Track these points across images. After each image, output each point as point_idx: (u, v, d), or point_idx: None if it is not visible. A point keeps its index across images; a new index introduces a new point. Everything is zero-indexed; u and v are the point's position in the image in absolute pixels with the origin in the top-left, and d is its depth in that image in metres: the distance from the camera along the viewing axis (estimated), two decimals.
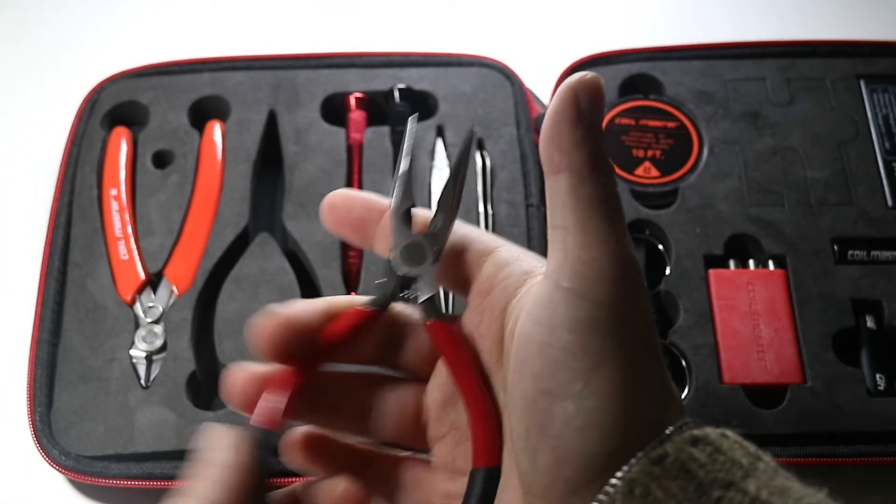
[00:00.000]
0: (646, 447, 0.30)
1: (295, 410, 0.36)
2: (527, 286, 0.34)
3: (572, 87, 0.31)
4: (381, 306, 0.36)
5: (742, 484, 0.28)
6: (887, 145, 0.66)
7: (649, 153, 0.66)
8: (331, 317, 0.36)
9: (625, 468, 0.30)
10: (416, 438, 0.38)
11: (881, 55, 0.70)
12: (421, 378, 0.38)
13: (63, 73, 0.76)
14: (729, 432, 0.31)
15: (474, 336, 0.36)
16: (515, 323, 0.33)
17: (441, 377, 0.37)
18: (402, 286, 0.36)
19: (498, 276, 0.35)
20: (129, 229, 0.63)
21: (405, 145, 0.38)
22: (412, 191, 0.37)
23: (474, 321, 0.36)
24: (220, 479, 0.32)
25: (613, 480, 0.30)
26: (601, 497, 0.30)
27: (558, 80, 0.70)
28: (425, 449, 0.38)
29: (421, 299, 0.36)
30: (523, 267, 0.35)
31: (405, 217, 0.37)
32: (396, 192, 0.37)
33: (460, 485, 0.35)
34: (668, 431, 0.30)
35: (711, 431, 0.30)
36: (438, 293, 0.36)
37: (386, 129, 0.67)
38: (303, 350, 0.36)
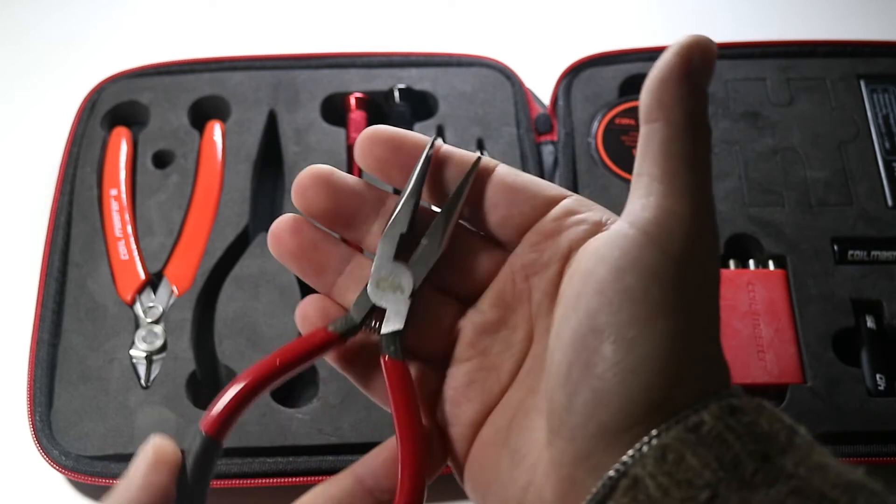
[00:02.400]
0: (683, 410, 0.29)
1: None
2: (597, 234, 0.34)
3: (688, 44, 0.31)
4: (345, 332, 0.36)
5: (779, 459, 0.28)
6: (887, 145, 0.66)
7: None
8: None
9: (654, 432, 0.29)
10: (437, 354, 0.37)
11: (881, 55, 0.70)
12: (463, 298, 0.37)
13: (63, 73, 0.76)
14: (766, 403, 0.30)
15: (526, 273, 0.35)
16: (579, 265, 0.33)
17: (487, 304, 0.36)
18: (373, 314, 0.36)
19: (567, 221, 0.35)
20: (130, 229, 0.63)
21: (418, 169, 0.36)
22: (411, 217, 0.36)
23: (528, 259, 0.35)
24: (139, 487, 0.32)
25: (644, 443, 0.29)
26: (626, 458, 0.29)
27: (558, 80, 0.70)
28: (441, 364, 0.37)
29: (384, 331, 0.35)
30: (597, 217, 0.34)
31: (394, 242, 0.36)
32: (395, 214, 0.36)
33: (461, 410, 0.35)
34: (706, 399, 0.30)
35: (748, 402, 0.30)
36: (403, 330, 0.35)
37: None
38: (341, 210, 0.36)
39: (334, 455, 0.55)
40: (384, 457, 0.36)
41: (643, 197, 0.31)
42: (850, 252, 0.61)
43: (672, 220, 0.31)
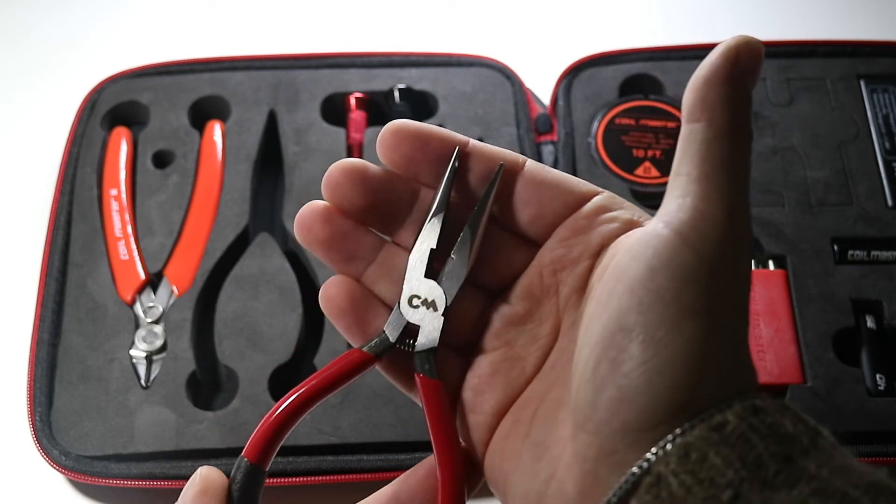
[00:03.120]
0: (708, 410, 0.29)
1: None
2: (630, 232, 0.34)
3: (735, 44, 0.31)
4: (380, 351, 0.36)
5: (801, 460, 0.28)
6: (887, 145, 0.66)
7: (649, 153, 0.66)
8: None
9: (678, 430, 0.29)
10: (462, 342, 0.37)
11: (881, 55, 0.70)
12: (491, 290, 0.37)
13: (63, 73, 0.76)
14: (789, 405, 0.30)
15: (555, 268, 0.35)
16: (610, 261, 0.33)
17: (515, 296, 0.36)
18: (407, 333, 0.36)
19: (600, 217, 0.35)
20: (130, 229, 0.63)
21: (444, 182, 0.35)
22: (440, 234, 0.35)
23: (557, 254, 0.35)
24: None
25: (667, 441, 0.29)
26: (649, 455, 0.29)
27: (558, 80, 0.70)
28: (466, 352, 0.37)
29: (418, 349, 0.36)
30: (628, 215, 0.35)
31: (424, 259, 0.35)
32: (424, 229, 0.35)
33: (484, 399, 0.35)
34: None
35: (772, 403, 0.30)
36: (436, 348, 0.36)
37: None
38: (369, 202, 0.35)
39: (334, 455, 0.55)
40: (422, 474, 0.36)
41: (680, 197, 0.31)
42: (850, 252, 0.61)
43: (707, 222, 0.31)
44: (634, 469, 0.29)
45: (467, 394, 0.36)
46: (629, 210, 0.35)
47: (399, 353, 0.36)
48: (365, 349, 0.35)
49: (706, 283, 0.30)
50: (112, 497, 0.56)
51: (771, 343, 0.58)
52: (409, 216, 0.36)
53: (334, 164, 0.36)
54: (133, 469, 0.54)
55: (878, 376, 0.57)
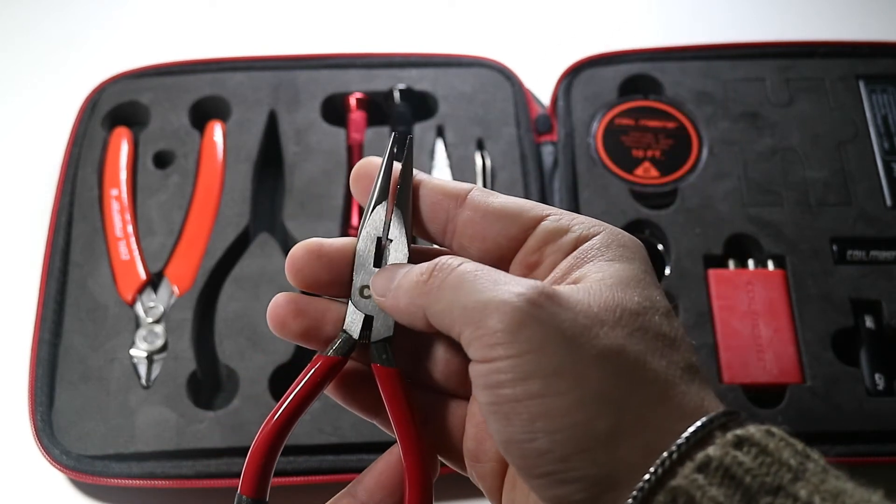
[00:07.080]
0: (680, 445, 0.28)
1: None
2: (577, 253, 0.33)
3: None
4: (346, 353, 0.35)
5: (791, 488, 0.27)
6: (886, 145, 0.66)
7: (649, 153, 0.66)
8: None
9: (657, 464, 0.28)
10: (458, 389, 0.36)
11: (881, 55, 0.70)
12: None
13: (64, 74, 0.76)
14: (774, 429, 0.29)
15: None
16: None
17: None
18: (365, 326, 0.35)
19: (545, 251, 0.34)
20: (130, 229, 0.63)
21: (382, 168, 0.35)
22: (383, 222, 0.35)
23: None
24: None
25: (644, 484, 0.28)
26: (629, 501, 0.28)
27: (558, 81, 0.70)
28: (466, 396, 0.37)
29: (374, 339, 0.35)
30: (575, 235, 0.33)
31: (371, 249, 0.35)
32: (367, 220, 0.35)
33: (487, 447, 0.35)
34: (700, 423, 0.29)
35: (756, 430, 0.29)
36: (392, 337, 0.35)
37: (386, 130, 0.67)
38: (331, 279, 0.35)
39: (334, 455, 0.55)
40: (379, 470, 0.36)
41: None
42: (849, 252, 0.61)
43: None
44: None
45: (469, 444, 0.36)
46: (576, 229, 0.33)
47: (351, 380, 0.36)
48: (330, 353, 0.35)
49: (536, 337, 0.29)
50: (113, 496, 0.56)
51: (770, 343, 0.58)
52: None
53: (294, 246, 0.35)
54: (134, 468, 0.54)
55: (876, 376, 0.57)
